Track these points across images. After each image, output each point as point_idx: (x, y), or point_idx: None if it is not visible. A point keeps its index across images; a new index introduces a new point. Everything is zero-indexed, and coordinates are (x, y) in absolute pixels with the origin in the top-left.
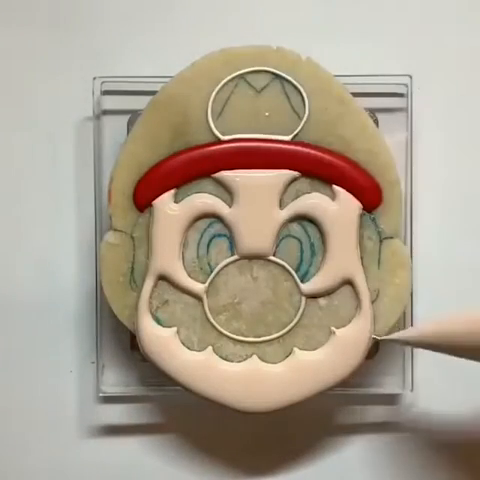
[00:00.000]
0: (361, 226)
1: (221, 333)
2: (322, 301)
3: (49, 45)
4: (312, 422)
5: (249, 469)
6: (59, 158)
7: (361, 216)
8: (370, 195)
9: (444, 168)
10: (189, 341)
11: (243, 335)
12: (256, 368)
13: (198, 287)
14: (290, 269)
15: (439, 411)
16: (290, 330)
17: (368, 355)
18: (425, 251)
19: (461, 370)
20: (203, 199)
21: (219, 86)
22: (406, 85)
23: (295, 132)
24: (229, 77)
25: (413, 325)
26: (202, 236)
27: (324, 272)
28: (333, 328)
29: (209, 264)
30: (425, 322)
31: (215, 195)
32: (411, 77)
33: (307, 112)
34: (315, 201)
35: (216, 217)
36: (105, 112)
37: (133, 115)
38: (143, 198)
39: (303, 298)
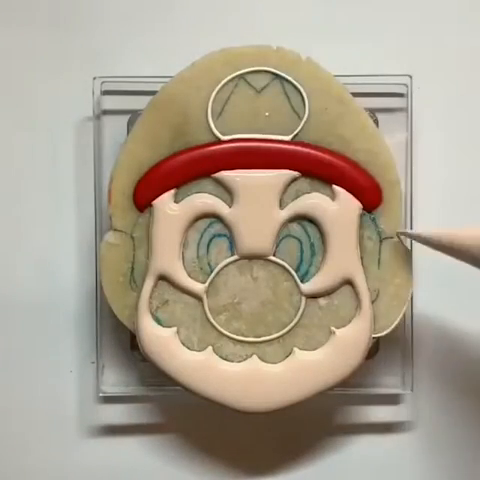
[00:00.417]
0: (361, 226)
1: (221, 333)
2: (322, 301)
3: (49, 45)
4: (312, 422)
5: (249, 469)
6: (59, 158)
7: (361, 216)
8: (370, 195)
9: (444, 168)
10: (189, 341)
11: (243, 335)
12: (256, 368)
13: (198, 287)
14: (290, 269)
15: (439, 411)
16: (290, 330)
17: (368, 355)
18: (425, 251)
19: (461, 370)
20: (203, 199)
21: (219, 86)
22: (406, 85)
23: (295, 132)
24: (229, 77)
25: (413, 325)
26: (202, 236)
27: (324, 272)
28: (333, 328)
29: (209, 264)
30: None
31: (215, 195)
32: (411, 77)
33: (307, 112)
34: (315, 201)
35: (216, 217)
36: (105, 112)
37: (133, 115)
38: (143, 198)
39: (303, 298)
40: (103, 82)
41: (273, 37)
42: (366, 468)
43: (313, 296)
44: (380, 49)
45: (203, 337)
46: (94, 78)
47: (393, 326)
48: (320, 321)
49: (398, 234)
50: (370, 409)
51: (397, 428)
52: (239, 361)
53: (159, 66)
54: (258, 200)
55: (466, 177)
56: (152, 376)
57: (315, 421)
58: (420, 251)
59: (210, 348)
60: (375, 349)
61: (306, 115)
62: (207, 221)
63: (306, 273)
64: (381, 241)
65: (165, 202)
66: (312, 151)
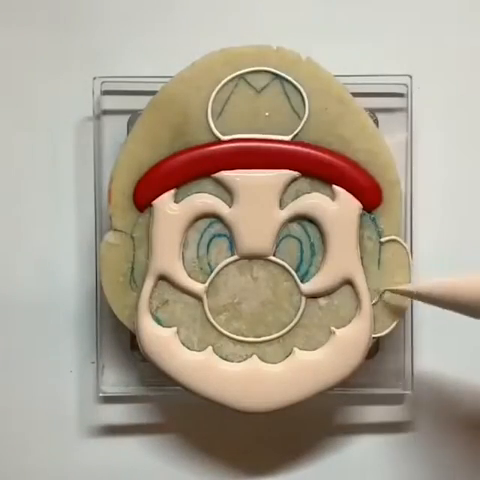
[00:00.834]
0: (361, 226)
1: (221, 333)
2: (322, 301)
3: (49, 45)
4: (312, 422)
5: (249, 469)
6: (59, 158)
7: (361, 216)
8: (370, 195)
9: (444, 168)
10: (189, 341)
11: (243, 335)
12: (256, 368)
13: (198, 287)
14: (290, 269)
15: (439, 411)
16: (290, 330)
17: (368, 355)
18: (425, 251)
19: (461, 370)
20: (203, 199)
21: (219, 86)
22: (406, 85)
23: (295, 132)
24: (229, 77)
25: (413, 325)
26: (202, 236)
27: (324, 272)
28: (333, 328)
29: (209, 264)
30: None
31: (215, 195)
32: (411, 77)
33: (307, 112)
34: (315, 201)
35: (216, 217)
36: (105, 112)
37: (133, 115)
38: (143, 198)
39: (303, 298)
40: (103, 82)
41: (273, 37)
42: (366, 468)
43: (313, 296)
44: (380, 49)
45: (203, 337)
46: (94, 78)
47: (393, 326)
48: (320, 321)
49: (387, 291)
50: (370, 409)
51: (397, 428)
52: (239, 361)
53: (159, 66)
54: (258, 200)
55: (466, 177)
56: (152, 376)
57: (315, 421)
58: (420, 251)
59: (210, 348)
60: (375, 349)
61: (306, 115)
62: (207, 221)
63: (306, 273)
64: (381, 241)
65: (165, 202)
66: (312, 151)
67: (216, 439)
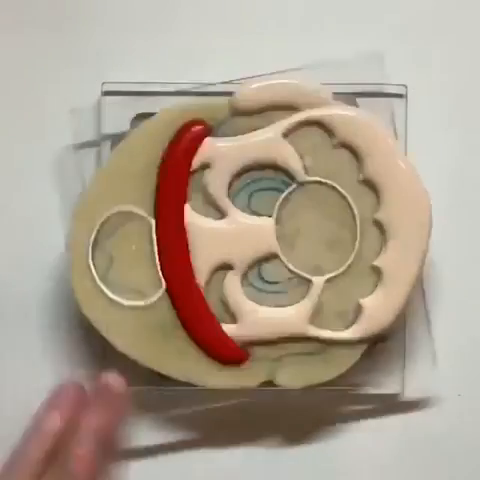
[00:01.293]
0: None
1: None
2: None
3: (49, 47)
4: (312, 422)
5: (249, 469)
6: (59, 158)
7: None
8: None
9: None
10: None
11: None
12: None
13: None
14: None
15: (438, 411)
16: None
17: (368, 355)
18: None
19: (461, 370)
20: None
21: None
22: (405, 86)
23: None
24: None
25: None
26: None
27: None
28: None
29: None
30: None
31: None
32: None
33: None
34: None
35: None
36: (105, 112)
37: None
38: None
39: None
40: (104, 83)
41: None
42: (366, 468)
43: None
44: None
45: None
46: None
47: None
48: None
49: None
50: (370, 409)
51: (397, 428)
52: None
53: (159, 70)
54: None
55: (467, 177)
56: (152, 376)
57: (315, 421)
58: None
59: None
60: (375, 349)
61: None
62: None
63: None
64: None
65: None
66: None
67: (216, 439)
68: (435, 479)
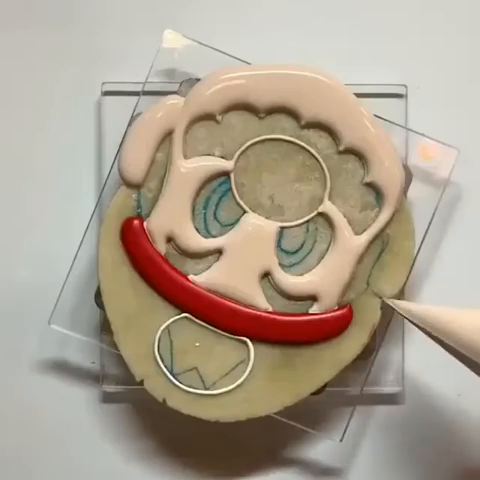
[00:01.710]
0: None
1: None
2: None
3: (49, 47)
4: (311, 422)
5: (249, 469)
6: (59, 158)
7: None
8: None
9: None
10: None
11: None
12: None
13: None
14: None
15: (438, 410)
16: None
17: (367, 355)
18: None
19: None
20: None
21: None
22: (405, 86)
23: None
24: None
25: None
26: None
27: None
28: None
29: None
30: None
31: None
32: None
33: None
34: None
35: None
36: (105, 112)
37: (135, 116)
38: None
39: None
40: (104, 83)
41: (273, 44)
42: (366, 467)
43: None
44: (377, 58)
45: None
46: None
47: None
48: None
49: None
50: (370, 409)
51: (397, 427)
52: None
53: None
54: None
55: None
56: None
57: (314, 421)
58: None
59: None
60: (374, 349)
61: None
62: None
63: None
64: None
65: None
66: None
67: (216, 439)
68: (435, 479)
